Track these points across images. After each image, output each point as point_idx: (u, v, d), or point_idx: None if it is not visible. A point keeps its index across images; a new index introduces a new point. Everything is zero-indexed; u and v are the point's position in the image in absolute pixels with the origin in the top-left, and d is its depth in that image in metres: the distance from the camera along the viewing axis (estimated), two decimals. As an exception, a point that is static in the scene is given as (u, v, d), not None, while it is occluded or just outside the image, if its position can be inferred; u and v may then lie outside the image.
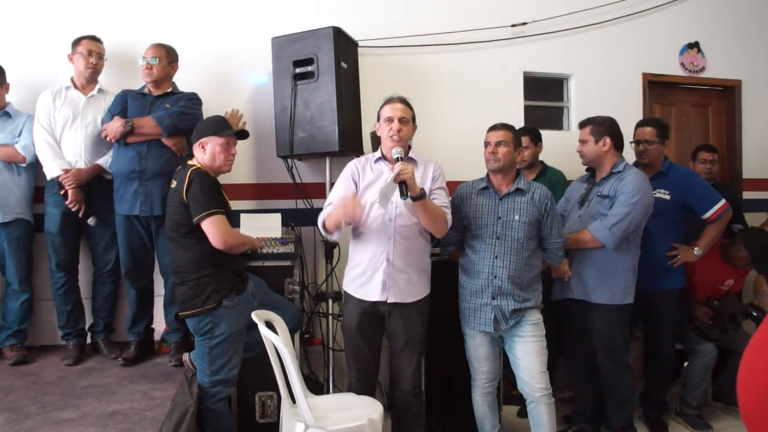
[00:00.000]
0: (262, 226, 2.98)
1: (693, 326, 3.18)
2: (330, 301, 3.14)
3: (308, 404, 2.15)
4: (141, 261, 2.92)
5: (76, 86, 2.97)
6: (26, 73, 3.07)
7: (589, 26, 3.85)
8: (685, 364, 3.27)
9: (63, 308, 2.94)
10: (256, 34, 3.23)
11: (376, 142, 3.08)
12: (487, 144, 2.54)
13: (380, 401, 2.44)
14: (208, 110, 2.94)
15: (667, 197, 2.93)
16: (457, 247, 2.65)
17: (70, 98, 2.94)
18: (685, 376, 3.25)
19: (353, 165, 2.50)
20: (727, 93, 4.33)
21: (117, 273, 3.00)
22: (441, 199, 2.41)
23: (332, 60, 2.91)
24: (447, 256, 2.69)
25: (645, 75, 4.02)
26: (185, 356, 2.69)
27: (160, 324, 3.04)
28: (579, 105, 3.88)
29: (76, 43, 2.93)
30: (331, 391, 3.02)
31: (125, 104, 2.88)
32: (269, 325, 2.31)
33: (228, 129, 2.53)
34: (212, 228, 2.33)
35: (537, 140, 3.33)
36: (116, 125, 2.77)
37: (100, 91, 3.00)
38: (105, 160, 2.92)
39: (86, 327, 3.04)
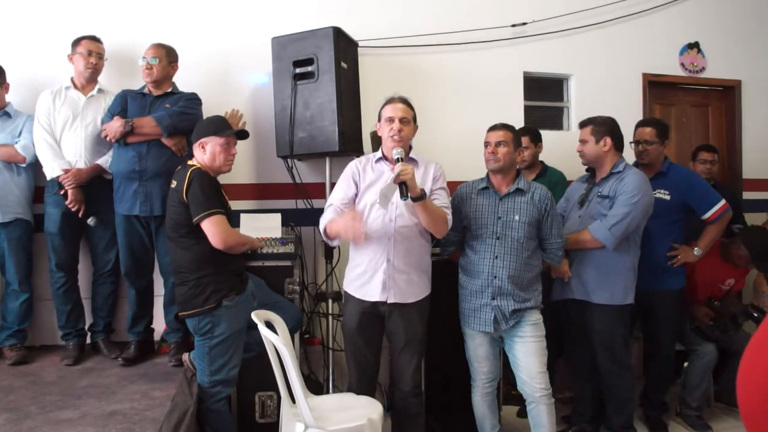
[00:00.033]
0: (262, 226, 2.98)
1: (693, 327, 3.18)
2: (330, 301, 3.15)
3: (308, 404, 2.15)
4: (141, 261, 2.92)
5: (76, 86, 2.97)
6: (26, 73, 3.07)
7: (589, 26, 3.85)
8: (685, 364, 3.26)
9: (63, 308, 2.94)
10: (256, 34, 3.23)
11: (376, 142, 3.08)
12: (487, 144, 2.54)
13: (380, 401, 2.44)
14: (208, 110, 2.95)
15: (667, 197, 2.93)
16: (457, 247, 2.64)
17: (70, 98, 2.94)
18: (685, 376, 3.24)
19: (354, 165, 2.50)
20: (727, 93, 4.33)
21: (117, 273, 3.00)
22: (441, 200, 2.41)
23: (332, 60, 2.91)
24: (447, 256, 2.69)
25: (645, 75, 4.02)
26: (185, 356, 2.69)
27: (159, 324, 3.04)
28: (579, 105, 3.88)
29: (76, 43, 2.93)
30: (330, 391, 3.02)
31: (125, 104, 2.88)
32: (269, 325, 2.31)
33: (228, 129, 2.53)
34: (212, 228, 2.33)
35: (537, 140, 3.33)
36: (116, 125, 2.77)
37: (100, 91, 3.00)
38: (105, 160, 2.92)
39: (86, 327, 3.04)
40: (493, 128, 2.56)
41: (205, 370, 2.44)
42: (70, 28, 3.02)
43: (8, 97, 2.98)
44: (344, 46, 3.04)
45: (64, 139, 2.90)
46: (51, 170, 2.85)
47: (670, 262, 2.95)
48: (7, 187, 2.88)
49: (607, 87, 3.90)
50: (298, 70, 2.99)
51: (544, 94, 3.96)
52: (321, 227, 2.40)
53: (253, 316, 2.27)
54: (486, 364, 2.55)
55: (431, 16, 3.57)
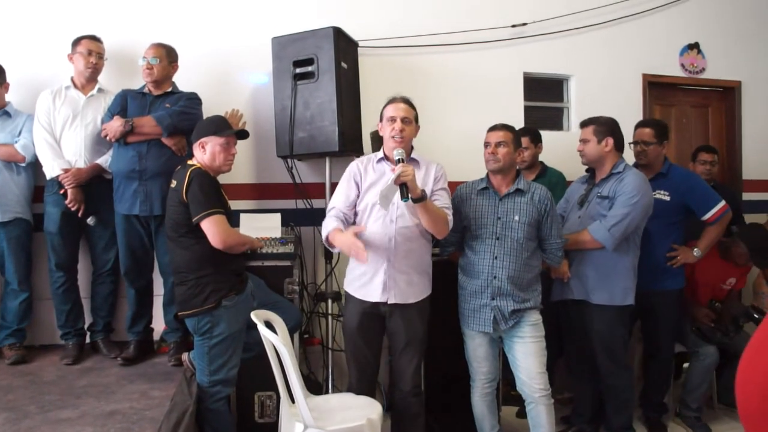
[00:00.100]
0: (261, 226, 2.98)
1: (694, 328, 3.18)
2: (329, 301, 3.14)
3: (307, 404, 2.15)
4: (140, 260, 2.92)
5: (76, 86, 2.97)
6: (26, 73, 3.07)
7: (589, 27, 3.85)
8: (685, 365, 3.26)
9: (62, 308, 2.93)
10: (256, 34, 3.23)
11: (376, 142, 3.08)
12: (486, 144, 2.54)
13: (380, 401, 2.44)
14: (208, 110, 2.95)
15: (667, 198, 2.93)
16: (456, 248, 2.64)
17: (70, 98, 2.94)
18: (685, 377, 3.24)
19: (355, 166, 2.50)
20: (727, 94, 4.33)
21: (116, 272, 3.00)
22: (442, 201, 2.41)
23: (332, 60, 2.91)
24: (447, 257, 2.69)
25: (645, 76, 4.02)
26: (184, 356, 2.69)
27: (159, 324, 3.04)
28: (579, 106, 3.88)
29: (76, 42, 2.93)
30: (330, 391, 3.01)
31: (125, 104, 2.88)
32: (269, 325, 2.31)
33: (228, 129, 2.53)
34: (212, 228, 2.33)
35: (537, 141, 3.33)
36: (116, 125, 2.77)
37: (99, 90, 3.00)
38: (105, 160, 2.92)
39: (85, 326, 3.04)
40: (492, 128, 2.56)
41: (204, 369, 2.44)
42: (70, 28, 3.02)
43: (8, 97, 2.98)
44: (344, 46, 3.04)
45: (64, 139, 2.90)
46: (51, 170, 2.85)
47: (669, 263, 2.95)
48: (7, 186, 2.88)
49: (607, 87, 3.90)
50: (298, 70, 2.99)
51: (544, 95, 3.96)
52: (323, 234, 2.40)
53: (253, 316, 2.27)
54: (485, 365, 2.55)
55: (431, 16, 3.57)
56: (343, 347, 2.78)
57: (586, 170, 2.90)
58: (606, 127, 2.72)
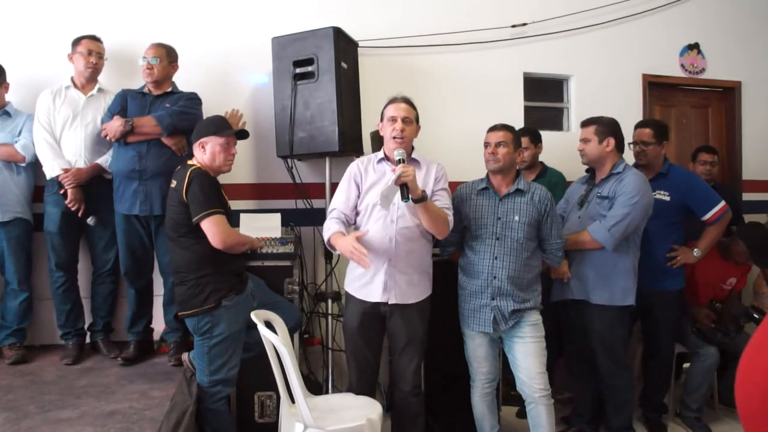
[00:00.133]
0: (261, 226, 2.98)
1: (695, 329, 3.18)
2: (329, 301, 3.14)
3: (307, 404, 2.15)
4: (140, 260, 2.92)
5: (76, 86, 2.97)
6: (26, 73, 3.07)
7: (589, 27, 3.85)
8: (685, 365, 3.26)
9: (62, 308, 2.93)
10: (256, 34, 3.23)
11: (376, 142, 3.08)
12: (486, 144, 2.54)
13: (379, 402, 2.44)
14: (208, 110, 2.95)
15: (667, 198, 2.93)
16: (456, 248, 2.64)
17: (70, 98, 2.94)
18: (686, 378, 3.24)
19: (355, 166, 2.50)
20: (727, 94, 4.33)
21: (116, 272, 3.00)
22: (443, 201, 2.41)
23: (332, 60, 2.91)
24: (447, 257, 2.69)
25: (645, 76, 4.02)
26: (184, 356, 2.69)
27: (159, 323, 3.04)
28: (579, 106, 3.88)
29: (76, 42, 2.93)
30: (330, 391, 3.01)
31: (125, 104, 2.88)
32: (268, 325, 2.31)
33: (228, 129, 2.53)
34: (212, 228, 2.33)
35: (537, 141, 3.33)
36: (116, 125, 2.77)
37: (99, 90, 3.00)
38: (105, 160, 2.92)
39: (85, 326, 3.04)
40: (492, 129, 2.56)
41: (204, 369, 2.44)
42: (70, 28, 3.02)
43: (8, 97, 2.98)
44: (344, 46, 3.04)
45: (64, 139, 2.90)
46: (51, 169, 2.85)
47: (669, 263, 2.95)
48: (7, 186, 2.88)
49: (607, 88, 3.90)
50: (298, 70, 2.99)
51: (544, 95, 3.96)
52: (325, 237, 2.39)
53: (253, 316, 2.27)
54: (485, 365, 2.55)
55: (431, 16, 3.57)
56: (343, 347, 2.78)
57: (586, 170, 2.90)
58: (608, 128, 2.72)
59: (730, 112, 4.33)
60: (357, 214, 2.46)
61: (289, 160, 3.24)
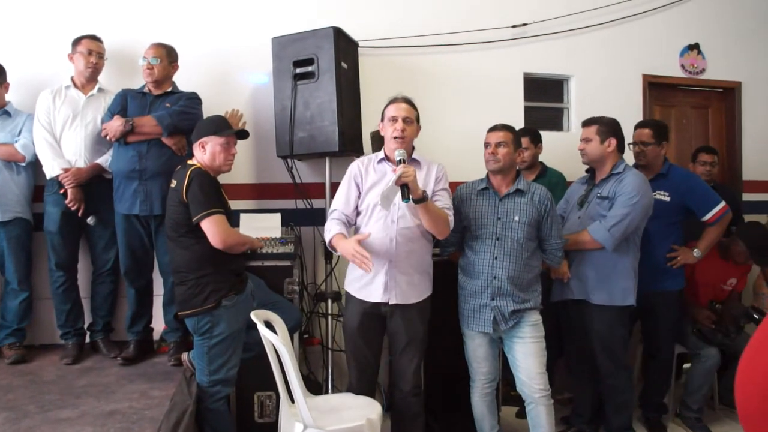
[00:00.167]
0: (261, 226, 2.98)
1: (695, 330, 3.18)
2: (329, 302, 3.14)
3: (307, 404, 2.15)
4: (140, 260, 2.92)
5: (76, 85, 2.97)
6: (26, 72, 3.07)
7: (590, 27, 3.85)
8: (684, 366, 3.26)
9: (62, 307, 2.93)
10: (256, 34, 3.24)
11: (376, 142, 3.08)
12: (487, 145, 2.54)
13: (379, 402, 2.44)
14: (209, 110, 2.95)
15: (667, 199, 2.93)
16: (456, 248, 2.64)
17: (70, 97, 2.94)
18: (686, 379, 3.24)
19: (355, 166, 2.49)
20: (727, 94, 4.33)
21: (116, 272, 3.00)
22: (443, 201, 2.41)
23: (332, 60, 2.91)
24: (447, 257, 2.69)
25: (645, 76, 4.02)
26: (184, 356, 2.69)
27: (159, 323, 3.04)
28: (579, 106, 3.88)
29: (77, 42, 2.93)
30: (330, 391, 3.01)
31: (125, 103, 2.88)
32: (268, 325, 2.31)
33: (228, 129, 2.53)
34: (212, 228, 2.33)
35: (537, 141, 3.33)
36: (116, 124, 2.77)
37: (100, 90, 3.00)
38: (105, 160, 2.92)
39: (85, 326, 3.04)
40: (493, 129, 2.56)
41: (204, 369, 2.44)
42: (70, 28, 3.02)
43: (8, 96, 2.98)
44: (344, 46, 3.04)
45: (64, 138, 2.90)
46: (51, 169, 2.85)
47: (669, 263, 2.95)
48: (7, 186, 2.88)
49: (607, 88, 3.90)
50: (298, 70, 2.99)
51: (544, 95, 3.96)
52: (326, 238, 2.39)
53: (253, 315, 2.26)
54: (485, 365, 2.55)
55: (432, 16, 3.57)
56: (342, 347, 2.78)
57: (586, 170, 2.90)
58: (609, 128, 2.72)
59: (730, 113, 4.33)
60: (358, 214, 2.45)
61: (289, 160, 3.24)
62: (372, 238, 2.35)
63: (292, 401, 2.24)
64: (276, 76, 3.08)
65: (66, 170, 2.82)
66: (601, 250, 2.65)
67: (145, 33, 3.08)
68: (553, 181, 3.26)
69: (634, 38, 3.97)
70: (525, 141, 3.13)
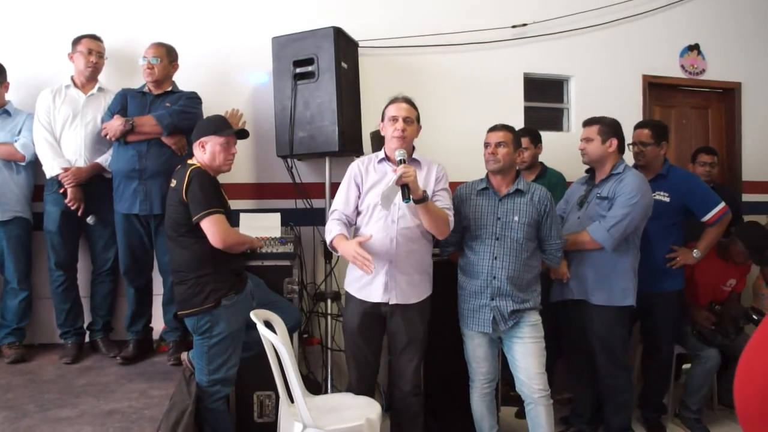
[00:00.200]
0: (261, 226, 2.98)
1: (695, 331, 3.18)
2: (329, 301, 3.14)
3: (306, 404, 2.15)
4: (140, 260, 2.92)
5: (76, 85, 2.97)
6: (26, 72, 3.07)
7: (590, 28, 3.85)
8: (684, 366, 3.26)
9: (62, 307, 2.93)
10: (256, 34, 3.24)
11: (376, 142, 3.08)
12: (486, 145, 2.54)
13: (379, 402, 2.44)
14: (209, 109, 2.95)
15: (667, 199, 2.93)
16: (456, 248, 2.64)
17: (70, 97, 2.94)
18: (686, 379, 3.24)
19: (355, 166, 2.49)
20: (727, 95, 4.33)
21: (116, 272, 3.00)
22: (444, 201, 2.41)
23: (332, 60, 2.91)
24: (446, 257, 2.69)
25: (645, 77, 4.02)
26: (184, 355, 2.69)
27: (158, 323, 3.04)
28: (579, 106, 3.88)
29: (77, 41, 2.93)
30: (329, 391, 3.02)
31: (125, 103, 2.88)
32: (268, 325, 2.31)
33: (228, 128, 2.53)
34: (211, 227, 2.33)
35: (537, 141, 3.33)
36: (116, 124, 2.77)
37: (100, 89, 3.00)
38: (105, 159, 2.92)
39: (85, 326, 3.04)
40: (493, 129, 2.56)
41: (203, 369, 2.44)
42: (70, 27, 3.02)
43: (8, 96, 2.98)
44: (344, 46, 3.04)
45: (64, 138, 2.90)
46: (50, 169, 2.85)
47: (669, 264, 2.95)
48: (7, 185, 2.88)
49: (607, 88, 3.90)
50: (298, 70, 2.99)
51: (544, 95, 3.96)
52: (327, 239, 2.39)
53: (252, 315, 2.26)
54: (485, 365, 2.55)
55: (432, 16, 3.57)
56: (342, 347, 2.78)
57: (586, 171, 2.90)
58: (611, 128, 2.72)
59: (729, 113, 4.34)
60: (358, 214, 2.45)
61: (289, 160, 3.24)
62: (372, 238, 2.35)
63: (292, 401, 2.24)
64: (276, 76, 3.08)
65: (66, 169, 2.82)
66: (601, 250, 2.65)
67: (145, 32, 3.08)
68: (553, 181, 3.26)
69: (634, 39, 3.97)
70: (525, 141, 3.13)
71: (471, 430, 2.66)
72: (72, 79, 2.97)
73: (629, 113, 3.66)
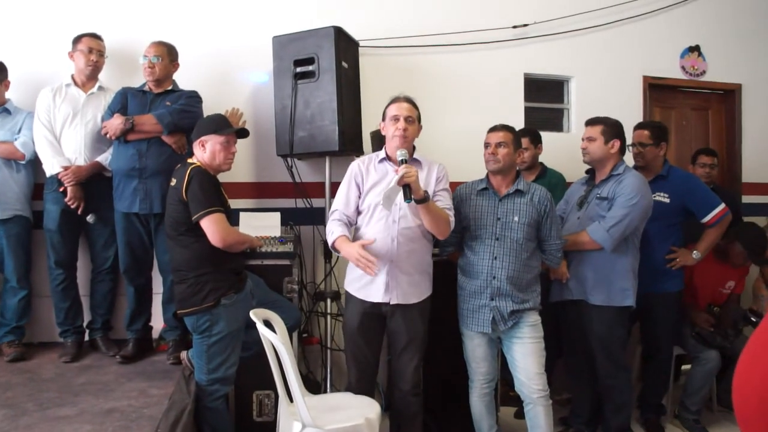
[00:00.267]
0: (261, 225, 2.98)
1: (694, 333, 3.18)
2: (328, 301, 3.14)
3: (306, 403, 2.15)
4: (140, 259, 2.92)
5: (76, 83, 2.97)
6: (27, 70, 3.07)
7: (590, 28, 3.85)
8: (683, 367, 3.26)
9: (61, 305, 2.94)
10: (257, 33, 3.24)
11: (376, 142, 3.08)
12: (487, 145, 2.54)
13: (378, 401, 2.44)
14: (209, 108, 2.94)
15: (667, 200, 2.93)
16: (456, 248, 2.65)
17: (71, 95, 2.94)
18: (686, 380, 3.25)
19: (356, 166, 2.49)
20: (728, 96, 4.33)
21: (116, 270, 3.00)
22: (444, 201, 2.41)
23: (333, 59, 2.91)
24: (446, 257, 2.69)
25: (645, 78, 4.03)
26: (183, 354, 2.69)
27: (158, 322, 3.04)
28: (579, 107, 3.88)
29: (77, 40, 2.93)
30: (328, 390, 3.02)
31: (125, 102, 2.88)
32: (267, 324, 2.31)
33: (228, 127, 2.53)
34: (211, 226, 2.33)
35: (537, 142, 3.33)
36: (116, 122, 2.77)
37: (100, 88, 3.00)
38: (105, 158, 2.92)
39: (84, 324, 3.04)
40: (493, 129, 2.56)
41: (203, 368, 2.44)
42: (71, 26, 3.02)
43: (8, 94, 2.98)
44: (345, 45, 3.04)
45: (64, 137, 2.90)
46: (50, 167, 2.85)
47: (668, 265, 2.95)
48: (6, 183, 2.87)
49: (607, 89, 3.90)
50: (298, 70, 2.99)
51: (545, 96, 3.97)
52: (329, 240, 2.39)
53: (252, 314, 2.26)
54: (484, 365, 2.56)
55: (432, 16, 3.57)
56: (341, 347, 2.78)
57: (586, 171, 2.91)
58: (614, 129, 2.72)
59: (730, 115, 4.34)
60: (358, 214, 2.45)
61: (289, 159, 3.23)
62: (373, 238, 2.35)
63: (291, 400, 2.24)
64: (276, 75, 3.08)
65: (66, 168, 2.82)
66: (600, 250, 2.65)
67: (145, 32, 3.08)
68: (553, 181, 3.26)
69: (634, 40, 3.98)
70: (525, 141, 3.13)
71: (470, 430, 2.66)
72: (72, 77, 2.97)
73: (629, 114, 3.65)
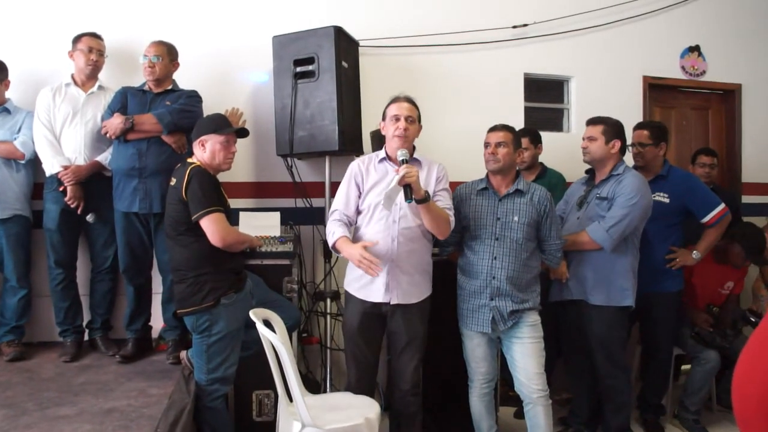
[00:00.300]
0: (260, 225, 2.98)
1: (693, 333, 3.18)
2: (328, 300, 3.14)
3: (305, 403, 2.15)
4: (139, 258, 2.92)
5: (76, 83, 2.97)
6: (26, 70, 3.07)
7: (590, 28, 3.86)
8: (683, 367, 3.26)
9: (61, 305, 2.93)
10: (257, 33, 3.24)
11: (376, 141, 3.08)
12: (486, 145, 2.54)
13: (378, 401, 2.44)
14: (209, 108, 2.94)
15: (667, 200, 2.93)
16: (455, 248, 2.64)
17: (70, 95, 2.94)
18: (686, 380, 3.25)
19: (356, 166, 2.49)
20: (728, 97, 4.34)
21: (115, 270, 3.00)
22: (444, 201, 2.41)
23: (333, 59, 2.91)
24: (446, 257, 2.69)
25: (645, 78, 4.03)
26: (183, 354, 2.69)
27: (158, 321, 3.04)
28: (579, 107, 3.88)
29: (77, 39, 2.93)
30: (328, 390, 3.01)
31: (125, 101, 2.88)
32: (267, 324, 2.31)
33: (228, 127, 2.53)
34: (211, 226, 2.33)
35: (537, 142, 3.33)
36: (116, 122, 2.77)
37: (100, 88, 2.99)
38: (104, 157, 2.92)
39: (84, 324, 3.04)
40: (493, 129, 2.56)
41: (202, 367, 2.44)
42: (70, 25, 3.02)
43: (8, 93, 2.98)
44: (345, 45, 3.04)
45: (64, 136, 2.90)
46: (50, 167, 2.85)
47: (668, 265, 2.96)
48: (6, 183, 2.87)
49: (607, 89, 3.90)
50: (298, 69, 2.99)
51: (545, 96, 3.97)
52: (329, 241, 2.38)
53: (251, 314, 2.26)
54: (484, 365, 2.56)
55: (432, 16, 3.57)
56: (341, 346, 2.78)
57: (586, 171, 2.91)
58: (615, 129, 2.72)
59: (730, 115, 4.34)
60: (358, 213, 2.45)
61: (288, 159, 3.24)
62: (373, 238, 2.35)
63: (291, 400, 2.24)
64: (276, 75, 3.08)
65: (65, 168, 2.82)
66: (600, 250, 2.65)
67: (145, 31, 3.08)
68: (553, 181, 3.26)
69: (634, 40, 3.98)
70: (525, 141, 3.13)
71: (470, 430, 2.66)
72: (72, 77, 2.97)
73: (629, 114, 3.65)
